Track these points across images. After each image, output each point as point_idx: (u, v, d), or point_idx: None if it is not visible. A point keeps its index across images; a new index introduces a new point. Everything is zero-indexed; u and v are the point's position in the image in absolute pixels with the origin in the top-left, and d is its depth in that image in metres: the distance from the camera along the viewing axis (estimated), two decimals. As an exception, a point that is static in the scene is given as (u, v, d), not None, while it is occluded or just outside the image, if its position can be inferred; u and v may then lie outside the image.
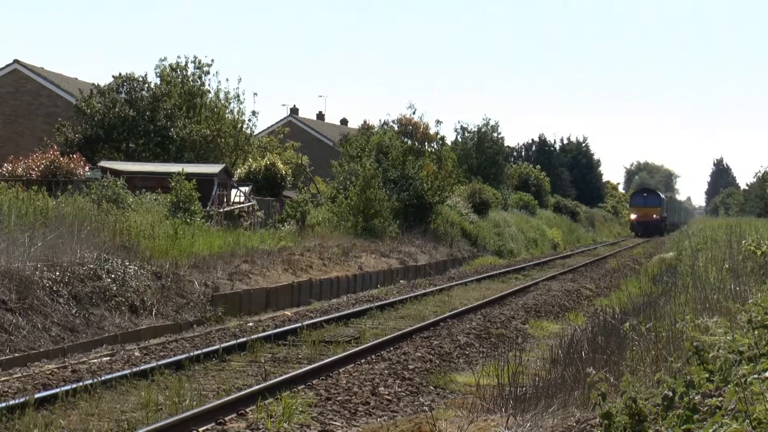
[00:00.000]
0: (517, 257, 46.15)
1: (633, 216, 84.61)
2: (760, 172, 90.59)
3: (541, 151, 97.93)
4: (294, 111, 69.20)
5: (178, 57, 44.37)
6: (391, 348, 15.79)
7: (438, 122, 57.14)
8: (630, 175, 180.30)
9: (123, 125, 39.30)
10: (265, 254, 25.43)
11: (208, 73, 44.07)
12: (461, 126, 71.06)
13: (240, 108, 44.88)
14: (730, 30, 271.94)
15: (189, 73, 43.63)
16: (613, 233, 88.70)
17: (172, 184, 28.82)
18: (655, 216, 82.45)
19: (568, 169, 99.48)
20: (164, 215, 26.61)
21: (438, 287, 27.07)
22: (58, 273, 17.03)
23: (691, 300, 13.76)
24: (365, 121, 52.14)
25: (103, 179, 28.78)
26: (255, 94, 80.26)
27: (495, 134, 70.57)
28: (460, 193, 50.71)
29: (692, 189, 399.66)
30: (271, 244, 27.95)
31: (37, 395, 10.87)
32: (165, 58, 43.99)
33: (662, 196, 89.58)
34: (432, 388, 13.25)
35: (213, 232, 27.27)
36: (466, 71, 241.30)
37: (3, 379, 12.44)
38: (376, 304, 22.10)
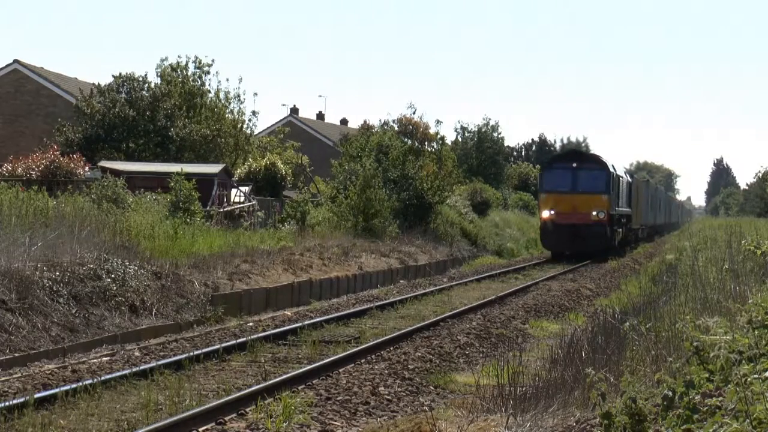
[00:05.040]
0: (517, 257, 46.12)
1: (545, 213, 42.06)
2: (760, 172, 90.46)
3: (541, 151, 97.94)
4: (294, 111, 69.22)
5: (179, 57, 44.44)
6: (391, 348, 15.78)
7: (438, 122, 57.28)
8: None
9: (123, 125, 39.33)
10: (265, 254, 25.43)
11: (208, 72, 44.13)
12: (461, 126, 71.13)
13: (240, 108, 44.96)
14: (731, 30, 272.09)
15: (189, 73, 43.68)
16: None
17: (172, 184, 28.84)
18: (594, 215, 41.26)
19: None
20: (164, 215, 26.62)
21: (438, 287, 27.06)
22: (58, 273, 17.03)
23: (691, 300, 13.76)
24: (365, 121, 52.23)
25: (103, 179, 28.78)
26: (255, 94, 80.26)
27: (495, 134, 70.60)
28: (460, 193, 50.71)
29: (692, 189, 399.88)
30: (271, 244, 27.95)
31: (36, 395, 10.86)
32: (166, 58, 44.06)
33: (614, 171, 43.90)
34: (432, 388, 13.25)
35: (213, 232, 27.27)
36: (466, 71, 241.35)
37: (3, 379, 12.44)
38: (376, 303, 22.09)
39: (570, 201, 41.29)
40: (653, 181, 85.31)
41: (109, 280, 17.96)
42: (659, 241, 63.13)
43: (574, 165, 42.10)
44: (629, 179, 50.65)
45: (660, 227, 73.27)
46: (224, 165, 36.57)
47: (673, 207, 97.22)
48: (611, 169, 43.00)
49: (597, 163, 43.01)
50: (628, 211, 48.86)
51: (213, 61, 44.39)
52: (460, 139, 69.93)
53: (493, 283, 29.71)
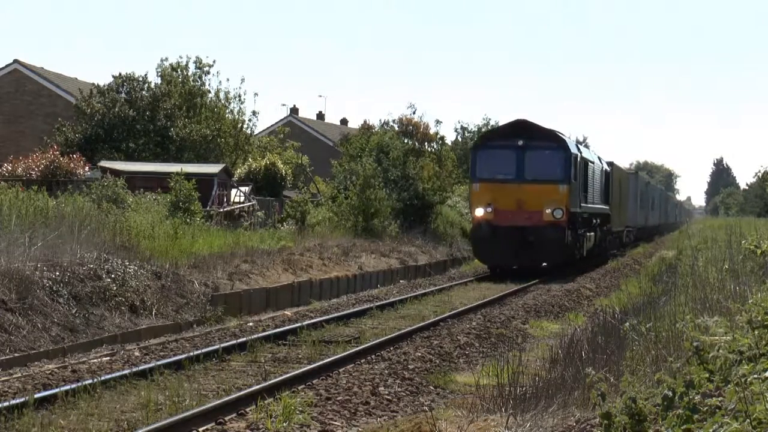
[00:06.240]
0: (517, 257, 45.99)
1: (479, 211, 31.29)
2: (760, 172, 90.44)
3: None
4: (294, 111, 69.24)
5: (180, 57, 44.49)
6: (391, 348, 15.77)
7: (438, 122, 56.98)
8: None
9: (123, 125, 39.35)
10: (265, 254, 25.43)
11: (208, 73, 44.12)
12: (461, 126, 71.02)
13: (240, 108, 44.98)
14: (731, 30, 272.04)
15: (190, 73, 43.68)
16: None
17: (172, 184, 28.85)
18: (548, 213, 30.72)
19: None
20: (164, 215, 26.63)
21: (438, 287, 27.04)
22: (58, 273, 17.03)
23: (691, 300, 13.76)
24: (365, 121, 52.16)
25: (103, 179, 28.82)
26: (255, 94, 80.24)
27: (495, 134, 70.41)
28: (460, 193, 50.71)
29: (692, 189, 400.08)
30: (271, 244, 27.96)
31: (36, 395, 10.85)
32: (166, 58, 44.06)
33: (578, 152, 33.11)
34: (432, 388, 13.24)
35: (213, 232, 27.28)
36: (467, 71, 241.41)
37: (3, 379, 12.43)
38: (376, 303, 22.08)
39: (513, 194, 30.41)
40: (644, 175, 69.51)
41: (109, 280, 17.96)
42: (658, 241, 62.84)
43: (520, 143, 30.72)
44: (606, 167, 40.18)
45: (653, 229, 64.35)
46: (224, 165, 36.59)
47: (670, 206, 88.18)
48: (573, 150, 31.94)
49: (552, 140, 31.51)
50: (604, 208, 38.58)
51: (214, 61, 44.40)
52: (460, 139, 69.87)
53: (493, 283, 29.70)
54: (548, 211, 30.35)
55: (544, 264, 31.05)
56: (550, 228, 30.17)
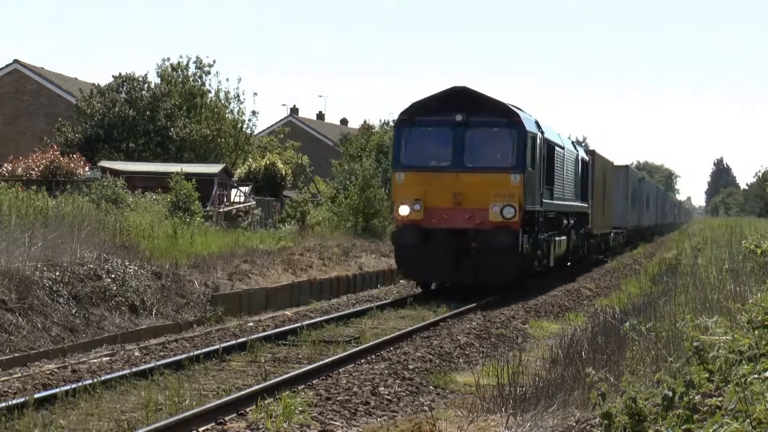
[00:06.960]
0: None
1: (403, 209, 22.75)
2: (760, 171, 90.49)
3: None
4: (294, 111, 69.28)
5: (180, 57, 44.53)
6: (391, 348, 15.76)
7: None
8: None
9: (123, 125, 39.40)
10: (265, 254, 25.43)
11: (209, 73, 44.18)
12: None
13: (240, 108, 45.05)
14: (731, 29, 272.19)
15: (190, 73, 43.73)
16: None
17: (172, 184, 28.88)
18: (495, 212, 22.46)
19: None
20: (164, 215, 26.66)
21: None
22: (58, 273, 17.03)
23: (691, 300, 13.77)
24: (365, 121, 52.26)
25: (103, 179, 28.84)
26: (255, 94, 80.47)
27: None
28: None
29: (692, 189, 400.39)
30: (270, 244, 27.97)
31: (36, 395, 10.84)
32: (168, 58, 44.10)
33: (537, 131, 24.37)
34: (432, 388, 13.24)
35: (213, 232, 27.31)
36: (467, 71, 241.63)
37: (3, 379, 12.43)
38: (376, 303, 22.06)
39: (450, 186, 23.00)
40: (636, 170, 61.27)
41: (109, 280, 17.96)
42: (658, 241, 62.67)
43: (459, 118, 23.10)
44: (584, 155, 33.06)
45: (649, 231, 58.87)
46: (224, 165, 36.64)
47: (668, 205, 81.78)
48: (531, 128, 24.11)
49: (502, 114, 23.46)
50: (581, 206, 31.94)
51: (214, 61, 44.44)
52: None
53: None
54: (496, 209, 22.74)
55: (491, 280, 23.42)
56: (498, 232, 22.65)
